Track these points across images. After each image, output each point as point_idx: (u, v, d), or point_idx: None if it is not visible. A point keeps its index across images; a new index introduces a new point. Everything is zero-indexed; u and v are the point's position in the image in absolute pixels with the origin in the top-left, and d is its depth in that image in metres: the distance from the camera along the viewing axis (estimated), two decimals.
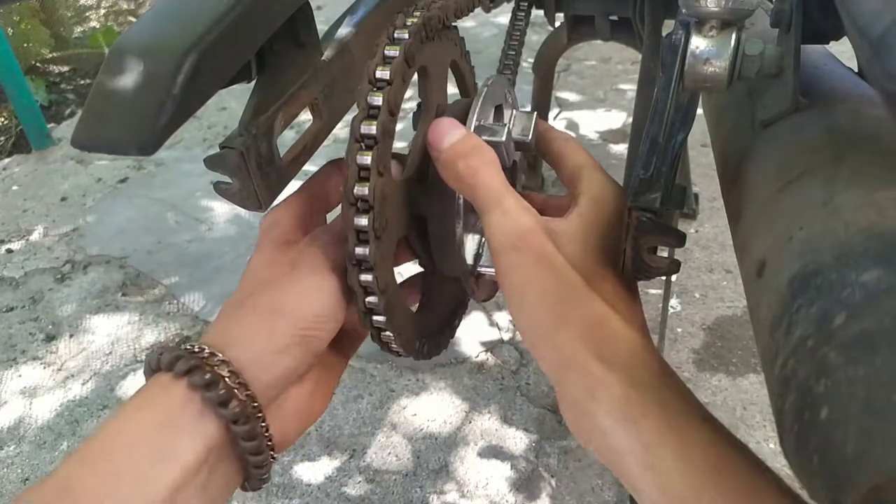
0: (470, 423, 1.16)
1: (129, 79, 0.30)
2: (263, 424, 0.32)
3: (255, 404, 0.31)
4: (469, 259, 0.38)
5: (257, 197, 0.39)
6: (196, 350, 0.31)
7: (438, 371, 1.24)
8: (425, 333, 0.41)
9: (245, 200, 0.39)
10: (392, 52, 0.34)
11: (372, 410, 1.19)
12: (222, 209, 1.70)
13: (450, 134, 0.34)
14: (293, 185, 0.41)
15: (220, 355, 0.31)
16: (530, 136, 0.39)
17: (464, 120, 0.36)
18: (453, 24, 0.41)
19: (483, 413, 1.17)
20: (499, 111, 0.40)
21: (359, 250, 0.33)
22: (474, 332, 1.32)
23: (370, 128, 0.32)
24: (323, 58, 0.44)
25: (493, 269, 0.39)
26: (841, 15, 0.23)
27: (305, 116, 0.44)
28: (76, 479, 0.27)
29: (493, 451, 1.11)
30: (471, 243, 0.39)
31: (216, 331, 0.33)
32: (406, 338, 0.38)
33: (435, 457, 1.11)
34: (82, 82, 2.42)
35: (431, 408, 1.19)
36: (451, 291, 0.45)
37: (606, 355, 0.29)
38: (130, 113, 0.30)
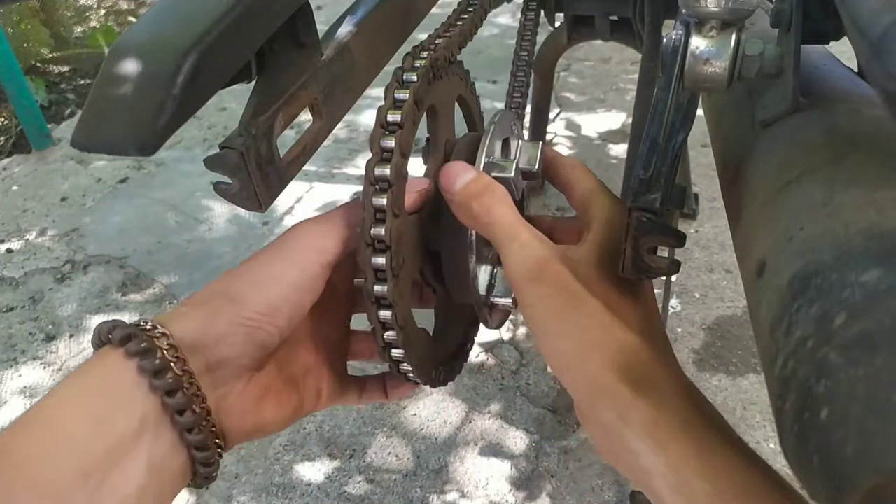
0: (470, 423, 1.16)
1: (129, 79, 0.30)
2: (204, 405, 0.31)
3: (192, 380, 0.31)
4: (482, 290, 0.40)
5: (257, 197, 0.39)
6: (139, 323, 0.31)
7: None
8: (441, 360, 0.42)
9: (245, 200, 0.39)
10: (402, 95, 0.35)
11: (372, 410, 1.19)
12: (222, 209, 1.70)
13: (462, 176, 0.35)
14: (293, 185, 0.41)
15: (161, 328, 0.31)
16: (537, 166, 0.39)
17: (473, 155, 0.37)
18: (458, 58, 0.42)
19: (483, 413, 1.17)
20: (506, 144, 0.41)
21: (377, 288, 0.34)
22: None
23: (384, 171, 0.34)
24: (323, 58, 0.44)
25: (506, 300, 0.40)
26: (841, 15, 0.23)
27: (305, 116, 0.44)
28: (14, 443, 0.28)
29: (494, 451, 1.11)
30: (483, 275, 0.40)
31: (172, 310, 0.33)
32: (423, 369, 0.39)
33: (435, 457, 1.11)
34: (82, 82, 2.42)
35: (431, 408, 1.19)
36: (463, 318, 0.46)
37: (634, 379, 0.30)
38: (130, 113, 0.30)
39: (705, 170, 1.62)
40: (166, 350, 0.30)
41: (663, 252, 0.33)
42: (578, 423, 1.14)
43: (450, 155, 0.40)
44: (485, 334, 1.31)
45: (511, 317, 1.34)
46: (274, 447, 1.14)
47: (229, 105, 2.11)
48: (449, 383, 0.43)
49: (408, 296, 0.37)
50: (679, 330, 1.30)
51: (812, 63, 0.39)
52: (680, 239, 0.32)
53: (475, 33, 0.46)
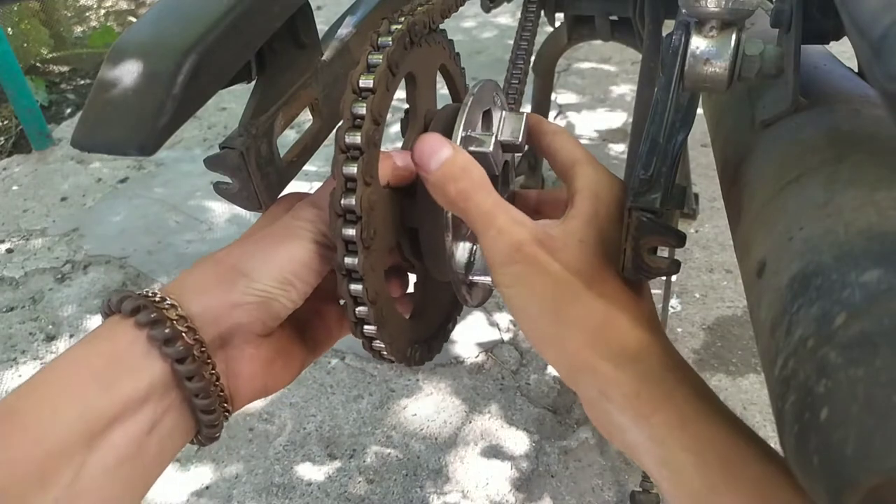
0: (470, 423, 1.16)
1: (129, 79, 0.30)
2: (213, 371, 0.32)
3: (203, 349, 0.32)
4: (461, 267, 0.38)
5: (257, 197, 0.39)
6: (147, 294, 0.32)
7: (438, 371, 1.24)
8: (418, 339, 0.41)
9: (245, 200, 0.39)
10: (375, 59, 0.34)
11: (372, 410, 1.19)
12: (222, 209, 1.70)
13: (437, 154, 0.33)
14: (293, 185, 0.41)
15: (170, 299, 0.32)
16: (520, 138, 0.38)
17: (451, 127, 0.36)
18: (440, 26, 0.41)
19: (483, 413, 1.17)
20: (487, 115, 0.39)
21: (347, 260, 0.33)
22: (474, 333, 1.32)
23: (355, 138, 0.32)
24: (323, 58, 0.44)
25: (485, 278, 0.39)
26: (841, 15, 0.23)
27: (305, 116, 0.45)
28: (22, 404, 0.29)
29: (494, 451, 1.11)
30: (461, 252, 0.39)
31: (176, 281, 0.34)
32: (397, 346, 0.38)
33: (435, 457, 1.11)
34: (82, 82, 2.42)
35: (431, 408, 1.19)
36: (445, 296, 0.45)
37: (614, 354, 0.29)
38: (130, 113, 0.30)
39: (705, 170, 1.62)
40: (175, 321, 0.31)
41: (663, 252, 0.33)
42: (578, 423, 1.14)
43: (428, 126, 0.39)
44: (485, 334, 1.31)
45: (511, 317, 1.34)
46: (274, 447, 1.14)
47: (229, 105, 2.11)
48: (449, 384, 0.43)
49: (381, 270, 0.35)
50: (679, 330, 1.30)
51: (812, 63, 0.39)
52: (680, 239, 0.32)
53: (461, 4, 0.45)
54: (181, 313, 0.32)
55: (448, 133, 0.36)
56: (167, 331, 0.31)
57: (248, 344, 0.35)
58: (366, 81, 0.33)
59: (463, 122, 0.36)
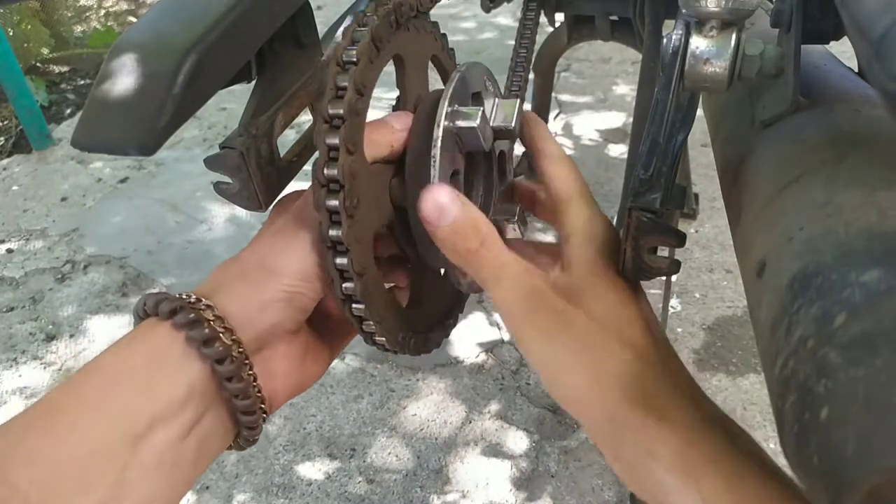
0: (470, 423, 1.16)
1: (129, 79, 0.30)
2: (251, 372, 0.32)
3: (241, 349, 0.32)
4: None
5: (257, 197, 0.39)
6: (183, 296, 0.32)
7: (438, 371, 1.24)
8: (413, 329, 0.40)
9: (245, 200, 0.39)
10: (360, 33, 0.34)
11: (372, 410, 1.19)
12: (222, 209, 1.70)
13: (446, 212, 0.31)
14: (293, 185, 0.41)
15: (206, 301, 0.32)
16: (513, 124, 0.37)
17: (437, 109, 0.35)
18: (427, 11, 0.40)
19: (483, 413, 1.17)
20: (476, 98, 0.39)
21: (332, 232, 0.33)
22: (474, 332, 1.32)
23: (338, 108, 0.32)
24: (323, 58, 0.44)
25: None
26: (841, 15, 0.23)
27: (305, 117, 0.44)
28: (60, 402, 0.29)
29: (494, 451, 1.11)
30: None
31: (207, 283, 0.34)
32: (388, 328, 0.37)
33: (435, 457, 1.11)
34: (82, 82, 2.42)
35: (431, 408, 1.19)
36: (443, 289, 0.45)
37: (654, 408, 0.28)
38: (130, 113, 0.30)
39: (705, 170, 1.62)
40: (212, 321, 0.31)
41: (663, 252, 0.33)
42: (578, 423, 1.14)
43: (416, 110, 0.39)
44: (485, 334, 1.31)
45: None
46: (274, 447, 1.14)
47: (229, 105, 2.11)
48: (449, 384, 0.42)
49: (367, 242, 0.35)
50: (679, 330, 1.30)
51: (812, 63, 0.39)
52: (680, 239, 0.32)
53: None
54: (218, 314, 0.32)
55: (434, 112, 0.35)
56: (206, 331, 0.30)
57: (281, 342, 0.35)
58: (349, 54, 0.33)
59: (449, 96, 0.35)
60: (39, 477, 0.27)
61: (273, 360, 0.35)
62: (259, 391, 0.33)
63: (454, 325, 0.45)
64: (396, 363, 1.27)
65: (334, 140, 0.32)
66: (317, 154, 0.33)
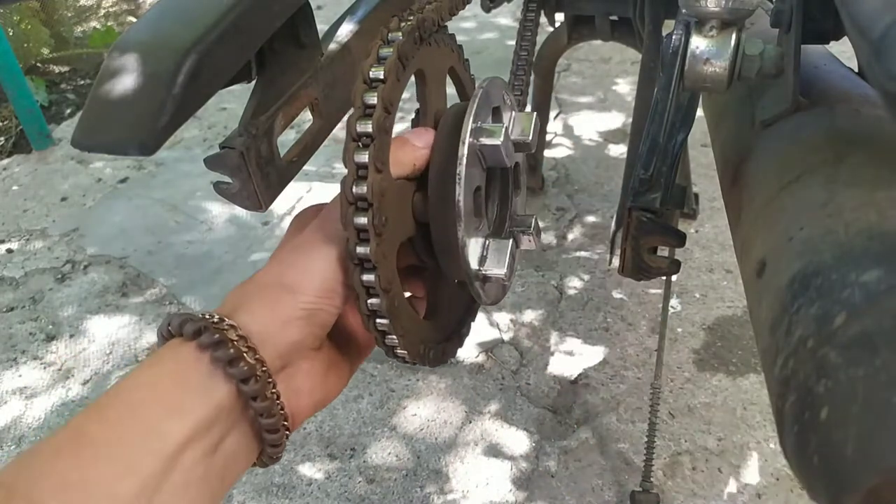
0: (470, 423, 1.16)
1: (129, 79, 0.30)
2: (274, 390, 0.33)
3: (265, 368, 0.32)
4: (474, 263, 0.38)
5: (257, 197, 0.39)
6: (206, 316, 0.32)
7: (438, 371, 1.24)
8: (431, 340, 0.41)
9: (245, 200, 0.39)
10: (386, 52, 0.34)
11: (372, 410, 1.19)
12: (222, 209, 1.70)
13: None
14: (293, 186, 0.41)
15: (228, 320, 0.32)
16: (531, 137, 0.39)
17: (461, 123, 0.36)
18: (446, 24, 0.41)
19: (483, 413, 1.17)
20: (496, 113, 0.40)
21: (360, 249, 0.33)
22: (474, 332, 1.32)
23: (366, 126, 0.33)
24: (323, 58, 0.44)
25: (499, 272, 0.39)
26: (841, 15, 0.23)
27: (306, 116, 0.45)
28: (88, 426, 0.29)
29: (494, 451, 1.11)
30: (475, 246, 0.38)
31: (226, 303, 0.34)
32: (411, 341, 0.37)
33: (435, 457, 1.11)
34: (82, 82, 2.42)
35: (431, 408, 1.19)
36: (458, 299, 0.45)
37: None
38: (130, 113, 0.30)
39: (705, 170, 1.62)
40: (236, 341, 0.31)
41: (663, 252, 0.33)
42: (578, 423, 1.14)
43: (438, 124, 0.39)
44: (485, 334, 1.31)
45: (510, 316, 1.34)
46: None
47: (229, 105, 2.11)
48: (449, 384, 0.43)
49: (393, 259, 0.35)
50: (679, 330, 1.30)
51: (812, 63, 0.39)
52: (680, 239, 0.32)
53: (468, 2, 0.45)
54: (241, 333, 0.32)
55: (458, 129, 0.36)
56: (231, 351, 0.31)
57: (304, 359, 0.35)
58: (376, 72, 0.33)
59: (473, 113, 0.36)
60: (72, 502, 0.26)
61: (296, 377, 0.35)
62: (282, 409, 0.33)
63: (468, 334, 0.46)
64: (396, 363, 1.27)
65: (363, 158, 0.33)
66: (344, 171, 0.33)
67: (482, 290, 0.39)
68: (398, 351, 0.37)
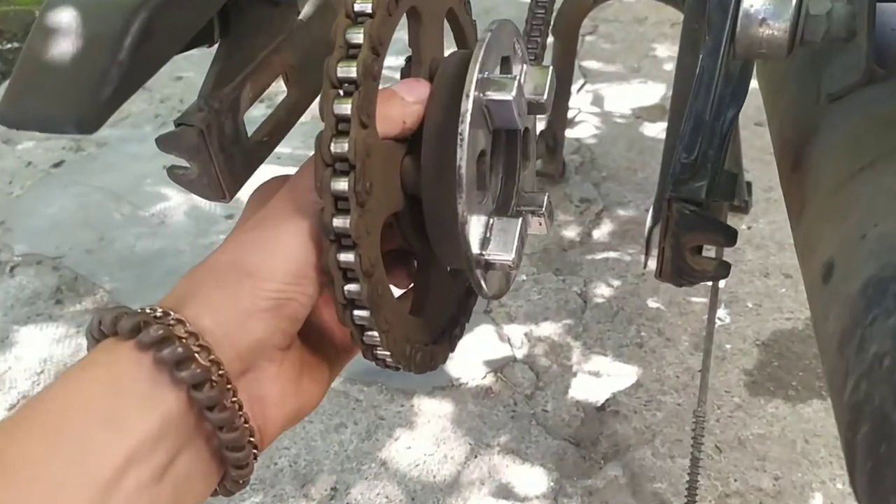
0: (475, 457, 1.16)
1: (65, 42, 0.30)
2: (235, 399, 0.32)
3: (222, 371, 0.31)
4: (475, 245, 0.37)
5: (220, 184, 0.39)
6: (146, 310, 0.32)
7: (437, 395, 1.24)
8: (419, 340, 0.40)
9: (206, 188, 0.39)
10: None
11: (357, 442, 1.19)
12: (178, 199, 1.70)
13: None
14: (264, 171, 0.41)
15: (175, 314, 0.31)
16: (545, 96, 0.38)
17: (463, 74, 0.35)
18: None
19: (491, 446, 1.17)
20: (506, 64, 0.39)
21: (337, 222, 0.32)
22: (480, 348, 1.32)
23: (349, 69, 0.32)
24: (299, 17, 0.44)
25: (504, 256, 0.38)
26: None
27: (279, 87, 0.45)
28: (7, 448, 0.28)
29: (504, 492, 1.11)
30: (476, 226, 0.38)
31: (172, 294, 0.34)
32: (395, 339, 0.37)
33: (433, 498, 1.11)
34: (9, 46, 2.42)
35: (429, 439, 1.19)
36: (450, 292, 0.45)
37: None
38: (67, 83, 0.30)
39: (760, 153, 1.62)
40: (185, 338, 0.31)
41: (709, 252, 0.33)
42: (606, 457, 1.14)
43: (434, 75, 0.39)
44: (493, 351, 1.31)
45: (524, 329, 1.34)
46: None
47: (186, 74, 2.11)
48: (449, 411, 0.42)
49: (376, 237, 0.34)
50: (728, 346, 1.30)
51: (889, 24, 0.39)
52: (730, 236, 0.32)
53: None
54: (191, 329, 0.31)
55: (460, 80, 0.35)
56: (179, 350, 0.30)
57: (271, 361, 0.35)
58: (362, 4, 0.33)
59: (479, 61, 0.35)
60: None
61: (262, 383, 0.34)
62: (247, 421, 0.33)
63: (460, 336, 0.45)
64: (386, 385, 1.27)
65: (345, 109, 0.32)
66: (318, 127, 0.33)
67: (483, 280, 0.39)
68: (379, 351, 0.37)
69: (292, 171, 0.37)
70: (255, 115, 0.38)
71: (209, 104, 0.37)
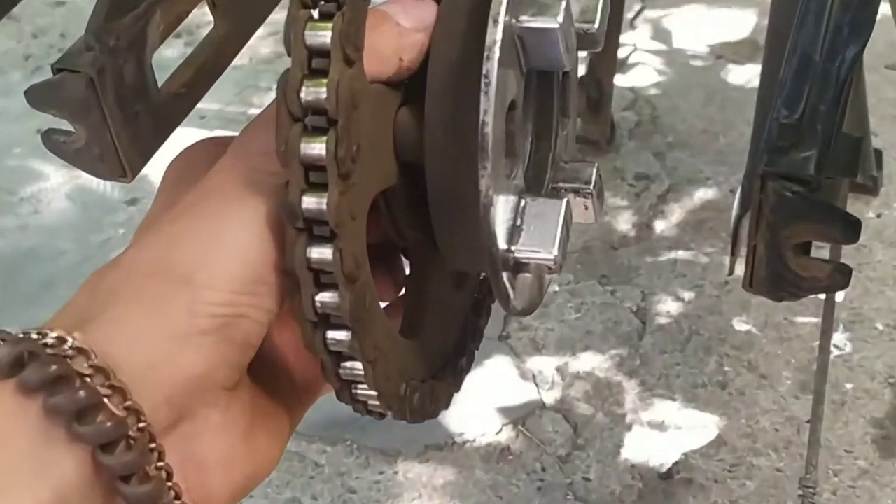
0: None
1: None
2: (161, 464, 0.32)
3: (143, 425, 0.31)
4: (501, 238, 0.38)
5: (118, 155, 0.39)
6: (32, 335, 0.31)
7: (432, 458, 1.24)
8: (415, 372, 0.40)
9: (97, 161, 0.39)
10: None
11: None
12: (58, 178, 1.70)
13: None
14: (181, 136, 0.41)
15: (74, 340, 0.31)
16: (597, 23, 0.38)
17: None
18: None
19: None
20: None
21: (308, 202, 0.32)
22: (494, 389, 1.32)
23: None
24: None
25: (544, 254, 0.37)
26: None
27: (203, 18, 0.45)
28: None
29: None
30: (504, 209, 0.37)
31: (69, 311, 0.34)
32: (385, 373, 0.36)
33: None
34: None
35: None
36: (453, 305, 0.45)
37: None
38: None
39: (893, 108, 1.62)
40: (89, 375, 0.30)
41: (821, 250, 0.33)
42: None
43: None
44: (513, 394, 1.31)
45: (557, 362, 1.34)
46: None
47: None
48: (449, 480, 0.43)
49: (362, 223, 0.34)
50: (849, 386, 1.30)
51: None
52: (849, 230, 0.32)
53: None
54: (97, 363, 0.31)
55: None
56: (80, 394, 0.30)
57: (213, 407, 0.34)
58: None
59: None
60: None
61: (200, 439, 0.34)
62: (178, 497, 0.32)
63: (467, 370, 0.45)
64: (358, 444, 1.27)
65: (323, 38, 0.32)
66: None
67: (511, 287, 0.39)
68: (361, 390, 0.36)
69: (220, 133, 0.37)
70: (169, 55, 0.38)
71: (102, 40, 0.37)
